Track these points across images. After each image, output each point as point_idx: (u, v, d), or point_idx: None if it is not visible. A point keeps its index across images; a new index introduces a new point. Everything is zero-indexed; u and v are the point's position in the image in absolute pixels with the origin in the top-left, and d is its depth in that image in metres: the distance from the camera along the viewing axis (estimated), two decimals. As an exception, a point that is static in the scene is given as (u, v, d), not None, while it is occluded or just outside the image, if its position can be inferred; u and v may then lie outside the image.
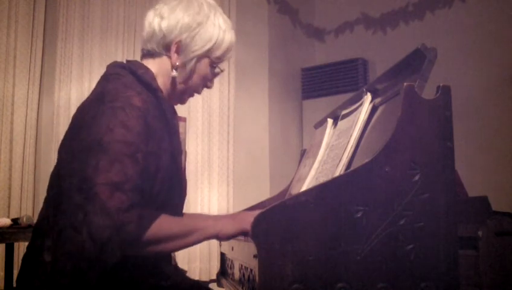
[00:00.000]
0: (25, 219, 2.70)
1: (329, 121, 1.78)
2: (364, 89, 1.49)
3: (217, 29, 1.39)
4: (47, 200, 1.30)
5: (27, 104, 3.74)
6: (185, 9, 1.38)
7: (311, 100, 4.32)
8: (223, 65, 1.46)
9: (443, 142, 1.13)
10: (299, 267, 1.05)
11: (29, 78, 3.76)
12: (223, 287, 1.78)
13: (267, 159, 4.11)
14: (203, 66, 1.41)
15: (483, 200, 1.95)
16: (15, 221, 2.74)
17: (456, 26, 3.84)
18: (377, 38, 4.29)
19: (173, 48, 1.37)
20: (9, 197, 3.61)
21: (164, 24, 1.37)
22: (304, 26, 4.58)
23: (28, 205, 3.73)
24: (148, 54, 1.42)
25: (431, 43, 1.20)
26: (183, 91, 1.44)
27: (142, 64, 1.39)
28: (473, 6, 3.81)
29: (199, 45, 1.38)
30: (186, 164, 4.31)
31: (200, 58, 1.39)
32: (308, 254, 1.06)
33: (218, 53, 1.41)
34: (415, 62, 1.21)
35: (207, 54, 1.39)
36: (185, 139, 1.46)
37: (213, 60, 1.41)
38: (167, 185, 1.29)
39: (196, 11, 1.38)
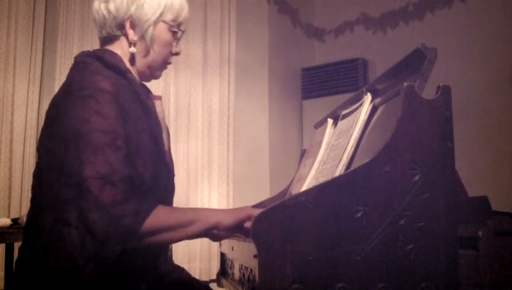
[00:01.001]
0: (25, 219, 2.69)
1: (329, 121, 1.78)
2: (364, 89, 1.48)
3: None
4: (33, 200, 1.29)
5: (27, 104, 3.73)
6: None
7: (311, 100, 4.32)
8: (183, 26, 1.45)
9: (443, 142, 1.13)
10: (299, 267, 1.05)
11: (29, 78, 3.75)
12: (223, 287, 1.78)
13: (267, 159, 4.11)
14: (161, 32, 1.39)
15: (483, 200, 1.95)
16: (15, 221, 2.74)
17: (456, 26, 3.84)
18: (377, 38, 4.29)
19: (127, 25, 1.36)
20: (9, 197, 3.60)
21: (111, 6, 1.36)
22: (303, 26, 4.58)
23: (28, 205, 3.72)
24: (106, 41, 1.41)
25: (431, 43, 1.20)
26: (151, 64, 1.42)
27: (108, 50, 1.38)
28: (473, 6, 3.81)
29: (150, 13, 1.36)
30: (186, 164, 4.28)
31: (155, 24, 1.38)
32: (308, 254, 1.06)
33: (171, 15, 1.39)
34: (415, 62, 1.21)
35: (160, 18, 1.38)
36: (163, 118, 1.44)
37: (170, 24, 1.40)
38: (151, 165, 1.27)
39: None
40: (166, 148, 1.40)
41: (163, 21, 1.39)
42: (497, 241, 1.81)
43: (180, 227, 1.20)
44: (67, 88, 1.27)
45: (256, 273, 1.07)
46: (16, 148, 3.65)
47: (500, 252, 1.81)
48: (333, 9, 4.56)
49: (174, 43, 1.44)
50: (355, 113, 1.50)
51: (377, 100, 1.43)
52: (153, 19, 1.37)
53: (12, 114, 3.65)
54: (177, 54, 1.46)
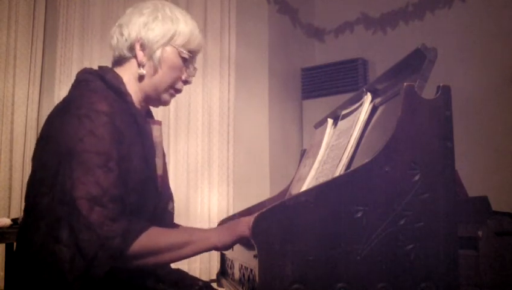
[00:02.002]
0: (25, 219, 2.69)
1: (329, 121, 1.78)
2: (364, 89, 1.48)
3: (174, 19, 1.41)
4: (26, 210, 1.29)
5: (27, 104, 3.73)
6: (140, 11, 1.41)
7: (311, 100, 4.32)
8: (196, 54, 1.46)
9: (443, 142, 1.13)
10: (299, 267, 1.05)
11: (29, 78, 3.75)
12: (223, 287, 1.78)
13: (267, 159, 4.11)
14: (169, 55, 1.40)
15: (483, 200, 1.95)
16: (15, 221, 2.74)
17: (456, 26, 3.84)
18: (377, 38, 4.29)
19: (137, 46, 1.38)
20: (9, 197, 3.60)
21: (125, 30, 1.40)
22: (304, 26, 4.58)
23: (28, 205, 3.72)
24: (116, 62, 1.43)
25: (431, 43, 1.20)
26: (157, 86, 1.41)
27: (112, 70, 1.39)
28: (473, 6, 3.81)
29: (160, 35, 1.38)
30: (186, 164, 4.27)
31: (164, 47, 1.39)
32: (308, 254, 1.06)
33: (181, 41, 1.41)
34: (415, 62, 1.21)
35: (170, 42, 1.40)
36: (161, 142, 1.44)
37: (179, 50, 1.41)
38: (139, 189, 1.28)
39: (151, 8, 1.41)
40: (160, 172, 1.40)
41: (173, 45, 1.40)
42: (497, 241, 1.81)
43: (174, 249, 1.20)
44: (65, 104, 1.28)
45: (256, 273, 1.07)
46: (16, 148, 3.65)
47: (500, 252, 1.81)
48: (333, 9, 4.56)
49: (184, 70, 1.44)
50: (355, 113, 1.50)
51: (377, 100, 1.43)
52: (163, 41, 1.39)
53: (12, 114, 3.65)
54: (187, 82, 1.46)
